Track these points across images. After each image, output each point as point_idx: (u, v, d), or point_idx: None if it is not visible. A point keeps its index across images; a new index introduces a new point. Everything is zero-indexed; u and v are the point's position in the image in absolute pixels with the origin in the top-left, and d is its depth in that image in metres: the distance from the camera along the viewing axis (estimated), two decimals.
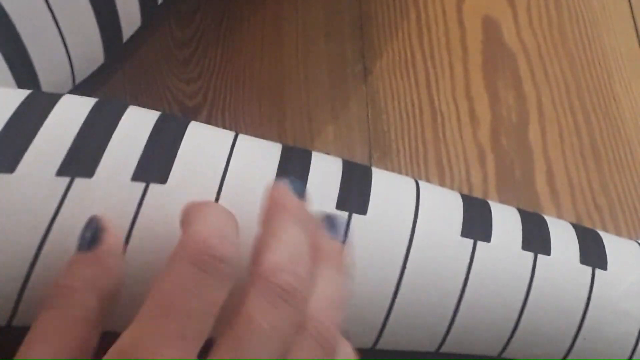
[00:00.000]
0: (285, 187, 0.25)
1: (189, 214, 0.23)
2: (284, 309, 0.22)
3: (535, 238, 0.32)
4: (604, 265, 0.32)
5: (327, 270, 0.25)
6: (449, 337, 0.31)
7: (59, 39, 0.33)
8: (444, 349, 0.32)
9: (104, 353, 0.21)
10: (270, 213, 0.25)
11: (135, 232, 0.26)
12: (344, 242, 0.27)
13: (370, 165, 0.49)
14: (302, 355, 0.23)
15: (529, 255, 0.31)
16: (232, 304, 0.22)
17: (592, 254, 0.33)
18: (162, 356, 0.20)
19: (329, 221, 0.27)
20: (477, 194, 0.49)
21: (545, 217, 0.34)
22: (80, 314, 0.23)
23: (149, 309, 0.21)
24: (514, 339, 0.31)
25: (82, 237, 0.24)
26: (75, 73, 0.35)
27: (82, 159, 0.27)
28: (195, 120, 0.30)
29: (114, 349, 0.21)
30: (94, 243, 0.24)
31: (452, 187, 0.49)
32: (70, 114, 0.28)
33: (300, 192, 0.25)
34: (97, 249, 0.24)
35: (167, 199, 0.27)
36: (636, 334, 0.32)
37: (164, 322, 0.21)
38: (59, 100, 0.29)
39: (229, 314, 0.22)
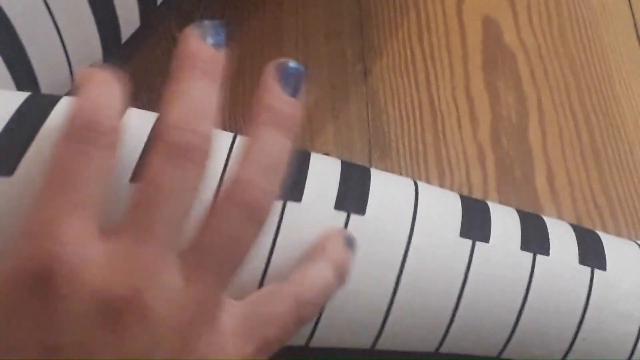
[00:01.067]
0: (195, 35, 0.24)
1: (76, 89, 0.23)
2: (185, 167, 0.22)
3: (534, 239, 0.32)
4: (603, 266, 0.32)
5: (268, 131, 0.24)
6: (447, 338, 0.31)
7: (58, 40, 0.33)
8: (442, 350, 0.32)
9: None
10: (177, 67, 0.24)
11: None
12: (295, 95, 0.24)
13: (370, 165, 0.49)
14: (222, 223, 0.22)
15: (528, 255, 0.31)
16: None
17: (591, 254, 0.33)
18: (66, 227, 0.21)
19: (281, 71, 0.25)
20: (477, 194, 0.49)
21: (544, 218, 0.34)
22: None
23: (45, 187, 0.22)
24: (513, 340, 0.31)
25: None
26: (74, 74, 0.35)
27: None
28: None
29: (23, 232, 0.22)
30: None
31: (452, 187, 0.49)
32: None
33: (219, 39, 0.24)
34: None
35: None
36: (635, 335, 0.32)
37: (60, 196, 0.21)
38: (58, 101, 0.29)
39: None
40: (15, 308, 0.21)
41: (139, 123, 0.29)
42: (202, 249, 0.23)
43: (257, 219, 0.23)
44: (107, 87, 0.23)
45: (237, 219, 0.22)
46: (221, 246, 0.23)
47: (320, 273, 0.26)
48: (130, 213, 0.22)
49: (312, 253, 0.27)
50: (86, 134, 0.22)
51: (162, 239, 0.22)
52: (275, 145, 0.24)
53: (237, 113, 0.51)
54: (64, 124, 0.22)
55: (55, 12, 0.32)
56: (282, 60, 0.25)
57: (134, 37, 0.37)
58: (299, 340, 0.29)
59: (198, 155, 0.22)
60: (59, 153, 0.22)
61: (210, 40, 0.24)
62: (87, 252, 0.21)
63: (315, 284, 0.26)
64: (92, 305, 0.21)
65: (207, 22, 0.24)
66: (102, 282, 0.21)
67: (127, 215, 0.22)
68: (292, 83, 0.24)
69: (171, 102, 0.23)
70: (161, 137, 0.22)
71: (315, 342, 0.30)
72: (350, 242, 0.28)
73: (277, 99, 0.24)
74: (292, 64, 0.25)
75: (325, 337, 0.29)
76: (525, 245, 0.31)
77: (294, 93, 0.25)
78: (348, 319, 0.29)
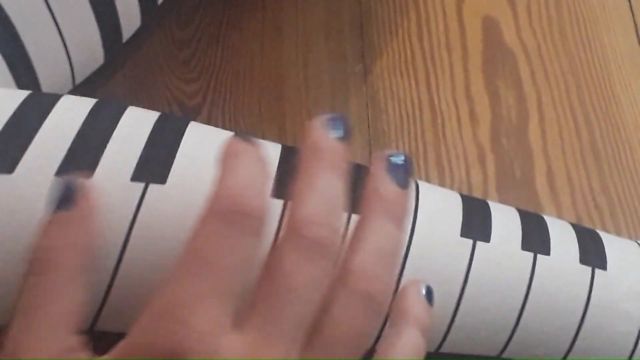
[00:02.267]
0: (322, 128, 0.24)
1: (222, 162, 0.23)
2: (319, 263, 0.21)
3: (535, 238, 0.32)
4: (603, 266, 0.32)
5: (378, 219, 0.23)
6: (448, 337, 0.31)
7: (59, 39, 0.33)
8: (443, 349, 0.32)
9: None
10: (305, 160, 0.23)
11: (134, 232, 0.26)
12: (405, 187, 0.24)
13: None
14: (344, 314, 0.22)
15: (529, 255, 0.31)
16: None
17: (592, 254, 0.33)
18: (201, 313, 0.20)
19: (393, 163, 0.25)
20: (477, 194, 0.49)
21: (545, 217, 0.34)
22: (68, 274, 0.22)
23: (183, 267, 0.21)
24: (513, 339, 0.31)
25: (56, 196, 0.23)
26: (75, 73, 0.35)
27: (81, 159, 0.27)
28: (195, 120, 0.30)
29: (151, 310, 0.21)
30: (69, 202, 0.23)
31: (452, 187, 0.49)
32: (70, 114, 0.28)
33: (340, 132, 0.24)
34: (74, 208, 0.23)
35: (167, 199, 0.27)
36: (636, 334, 0.32)
37: (198, 279, 0.20)
38: (59, 100, 0.29)
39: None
40: None
41: (138, 123, 0.29)
42: (327, 340, 0.22)
43: (378, 311, 0.22)
44: (256, 166, 0.23)
45: (360, 310, 0.22)
46: (346, 338, 0.22)
47: (411, 345, 0.25)
48: (261, 304, 0.21)
49: (395, 317, 0.25)
50: (233, 216, 0.21)
51: (291, 336, 0.21)
52: (391, 236, 0.24)
53: (237, 113, 0.51)
54: (209, 200, 0.22)
55: (56, 11, 0.32)
56: (390, 151, 0.25)
57: (134, 36, 0.37)
58: None
59: (331, 251, 0.22)
60: (201, 231, 0.21)
61: (333, 134, 0.24)
62: (220, 343, 0.20)
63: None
64: None
65: (328, 116, 0.24)
66: None
67: (258, 307, 0.21)
68: (401, 174, 0.24)
69: (303, 195, 0.22)
70: (296, 231, 0.21)
71: None
72: (430, 295, 0.26)
73: (388, 189, 0.24)
74: (400, 156, 0.25)
75: None
76: (526, 245, 0.31)
77: (403, 184, 0.24)
78: None
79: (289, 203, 0.23)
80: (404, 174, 0.25)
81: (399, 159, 0.25)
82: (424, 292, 0.26)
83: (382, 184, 0.24)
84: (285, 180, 0.28)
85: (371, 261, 0.23)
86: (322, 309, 0.22)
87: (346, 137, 0.24)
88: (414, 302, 0.26)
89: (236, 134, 0.24)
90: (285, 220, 0.22)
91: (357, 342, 0.22)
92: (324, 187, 0.23)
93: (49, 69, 0.33)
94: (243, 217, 0.21)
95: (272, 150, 0.30)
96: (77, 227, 0.23)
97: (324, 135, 0.24)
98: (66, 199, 0.23)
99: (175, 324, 0.20)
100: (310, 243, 0.21)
